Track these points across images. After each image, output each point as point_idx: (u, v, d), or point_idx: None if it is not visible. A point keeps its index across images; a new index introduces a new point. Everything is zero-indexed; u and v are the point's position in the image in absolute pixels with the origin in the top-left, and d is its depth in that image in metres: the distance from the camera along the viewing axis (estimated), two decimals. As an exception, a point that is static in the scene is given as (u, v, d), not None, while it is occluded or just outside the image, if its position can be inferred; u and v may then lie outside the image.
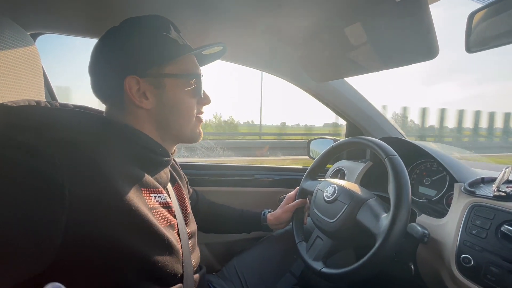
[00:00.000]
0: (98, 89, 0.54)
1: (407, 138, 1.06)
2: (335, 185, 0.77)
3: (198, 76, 0.57)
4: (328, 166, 1.11)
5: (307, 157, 1.39)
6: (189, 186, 0.82)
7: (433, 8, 0.53)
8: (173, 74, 0.53)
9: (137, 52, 0.51)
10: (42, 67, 0.66)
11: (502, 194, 0.60)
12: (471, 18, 0.49)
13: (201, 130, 0.61)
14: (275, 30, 0.87)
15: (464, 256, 0.58)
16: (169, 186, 0.63)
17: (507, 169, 0.65)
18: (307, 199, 0.91)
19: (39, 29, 0.85)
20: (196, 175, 1.16)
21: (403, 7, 0.52)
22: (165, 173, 0.59)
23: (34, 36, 0.86)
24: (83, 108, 0.55)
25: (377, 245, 0.57)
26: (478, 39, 0.49)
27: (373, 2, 0.58)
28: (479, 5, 0.48)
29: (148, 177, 0.50)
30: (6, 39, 0.53)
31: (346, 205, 0.70)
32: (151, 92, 0.52)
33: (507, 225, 0.55)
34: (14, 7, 0.72)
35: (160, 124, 0.54)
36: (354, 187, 0.74)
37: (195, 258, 0.62)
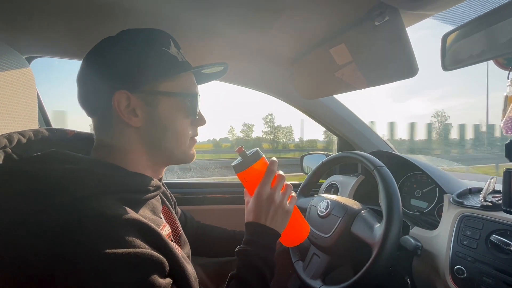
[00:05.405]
0: (85, 101, 0.50)
1: (396, 152, 1.09)
2: (328, 200, 0.78)
3: (195, 96, 0.53)
4: (321, 181, 1.12)
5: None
6: (177, 207, 0.78)
7: (410, 30, 0.57)
8: (168, 92, 0.50)
9: (132, 66, 0.47)
10: (37, 91, 0.66)
11: (489, 204, 0.62)
12: (444, 39, 0.53)
13: (195, 151, 0.57)
14: (267, 52, 0.91)
15: (457, 268, 0.59)
16: None
17: (492, 180, 0.67)
18: None
19: (34, 53, 0.87)
20: (185, 194, 1.14)
21: (382, 30, 0.56)
22: (157, 201, 0.55)
23: (30, 60, 0.88)
24: (58, 133, 0.52)
25: (374, 254, 0.57)
26: (452, 58, 0.53)
27: (355, 25, 0.63)
28: (451, 27, 0.52)
29: (153, 216, 0.50)
30: (1, 62, 0.54)
31: (340, 218, 0.70)
32: (142, 109, 0.48)
33: (496, 234, 0.57)
34: (10, 31, 0.74)
35: (150, 145, 0.51)
36: (347, 201, 0.75)
37: None
